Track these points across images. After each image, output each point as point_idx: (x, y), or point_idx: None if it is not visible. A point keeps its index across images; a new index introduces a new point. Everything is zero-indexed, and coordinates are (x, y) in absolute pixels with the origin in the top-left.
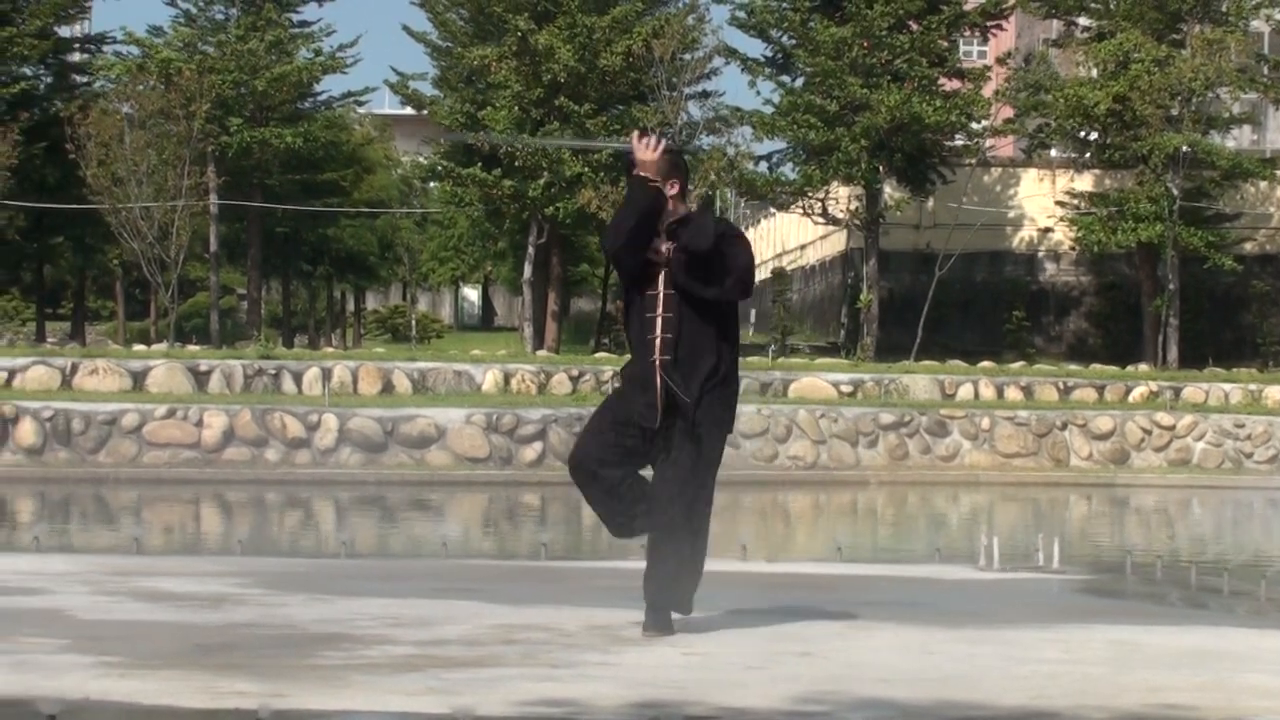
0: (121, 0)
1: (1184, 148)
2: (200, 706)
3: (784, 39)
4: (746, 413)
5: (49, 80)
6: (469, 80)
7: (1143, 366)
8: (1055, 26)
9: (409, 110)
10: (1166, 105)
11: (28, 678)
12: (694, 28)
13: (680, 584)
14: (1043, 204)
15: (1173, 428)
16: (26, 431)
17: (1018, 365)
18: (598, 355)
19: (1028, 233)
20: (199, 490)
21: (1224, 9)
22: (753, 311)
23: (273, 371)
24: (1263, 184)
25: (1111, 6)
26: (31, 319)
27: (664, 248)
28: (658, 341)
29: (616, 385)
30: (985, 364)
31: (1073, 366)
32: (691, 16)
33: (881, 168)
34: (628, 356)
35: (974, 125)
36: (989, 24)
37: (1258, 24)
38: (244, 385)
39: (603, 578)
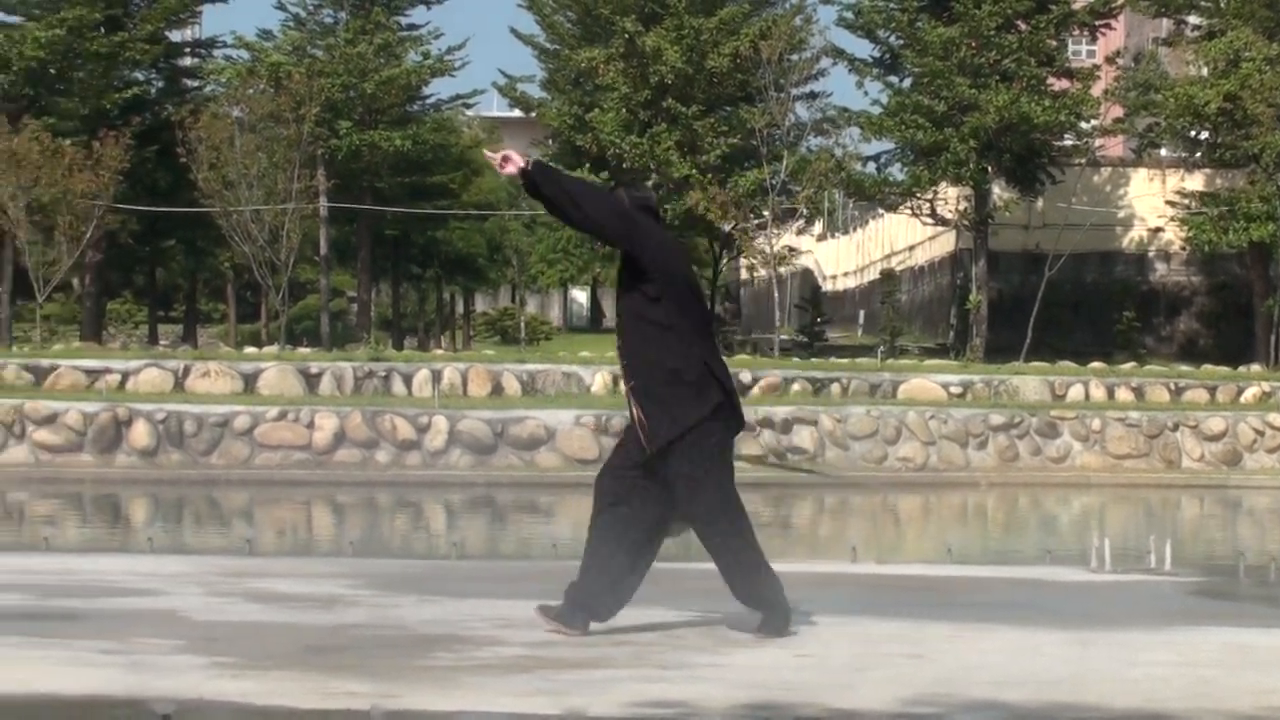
0: (231, 4)
1: None
2: (312, 707)
3: (891, 39)
4: (856, 414)
5: (160, 85)
6: (577, 82)
7: (1255, 367)
8: (1165, 25)
9: (517, 113)
10: (1278, 104)
11: (143, 678)
12: (801, 28)
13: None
14: (1153, 204)
15: None
16: (140, 434)
17: (1128, 366)
18: None
19: (1138, 233)
20: (310, 492)
21: None
22: (861, 313)
23: (383, 374)
24: None
25: (1222, 5)
26: (144, 322)
27: None
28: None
29: None
30: (1095, 365)
31: (1184, 367)
32: (799, 17)
33: (990, 168)
34: (739, 356)
35: (1083, 125)
36: (1098, 23)
37: None
38: (354, 387)
39: (713, 579)
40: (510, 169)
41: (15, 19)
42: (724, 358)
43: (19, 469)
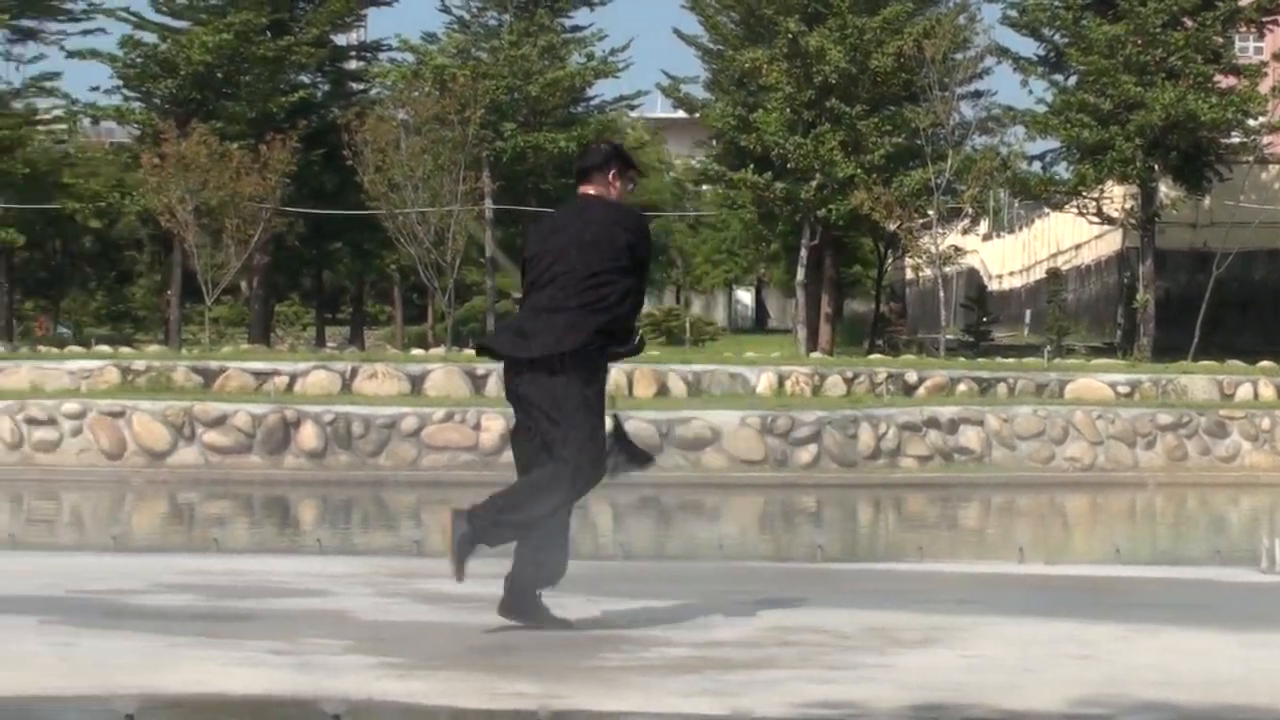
0: (396, 7)
1: None
2: (480, 707)
3: (1056, 37)
4: (1022, 414)
5: (326, 88)
6: (740, 83)
7: None
8: None
9: (680, 114)
10: None
11: (312, 678)
12: (965, 27)
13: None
14: None
15: None
16: (308, 435)
17: None
18: (871, 356)
19: None
20: (477, 493)
21: None
22: (1027, 312)
23: None
24: None
25: None
26: (311, 324)
27: None
28: None
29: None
30: (1265, 364)
31: None
32: (962, 16)
33: (1156, 166)
34: (905, 356)
35: (1250, 122)
36: (1265, 19)
37: None
38: None
39: (879, 580)
40: None
41: (183, 24)
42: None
43: (189, 470)
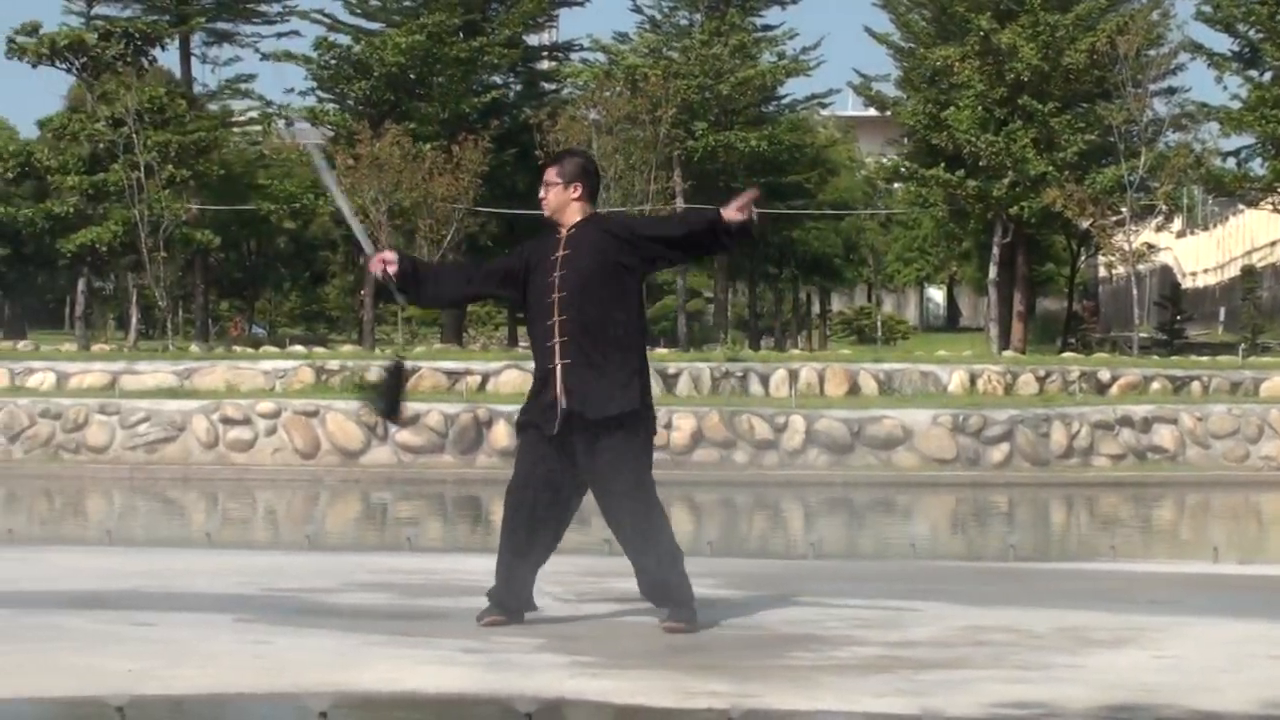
0: (588, 7)
1: None
2: (673, 706)
3: (1251, 33)
4: (1217, 412)
5: (518, 88)
6: (932, 80)
7: None
8: None
9: (872, 111)
10: None
11: (505, 676)
12: (1159, 23)
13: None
14: None
15: None
16: (501, 434)
17: None
18: (1064, 355)
19: None
20: (668, 492)
21: None
22: (1222, 310)
23: (740, 374)
24: None
25: None
26: (504, 324)
27: None
28: None
29: None
30: None
31: None
32: (1156, 12)
33: None
34: (1098, 354)
35: None
36: None
37: None
38: (711, 387)
39: (1071, 579)
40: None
41: (376, 26)
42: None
43: (382, 469)
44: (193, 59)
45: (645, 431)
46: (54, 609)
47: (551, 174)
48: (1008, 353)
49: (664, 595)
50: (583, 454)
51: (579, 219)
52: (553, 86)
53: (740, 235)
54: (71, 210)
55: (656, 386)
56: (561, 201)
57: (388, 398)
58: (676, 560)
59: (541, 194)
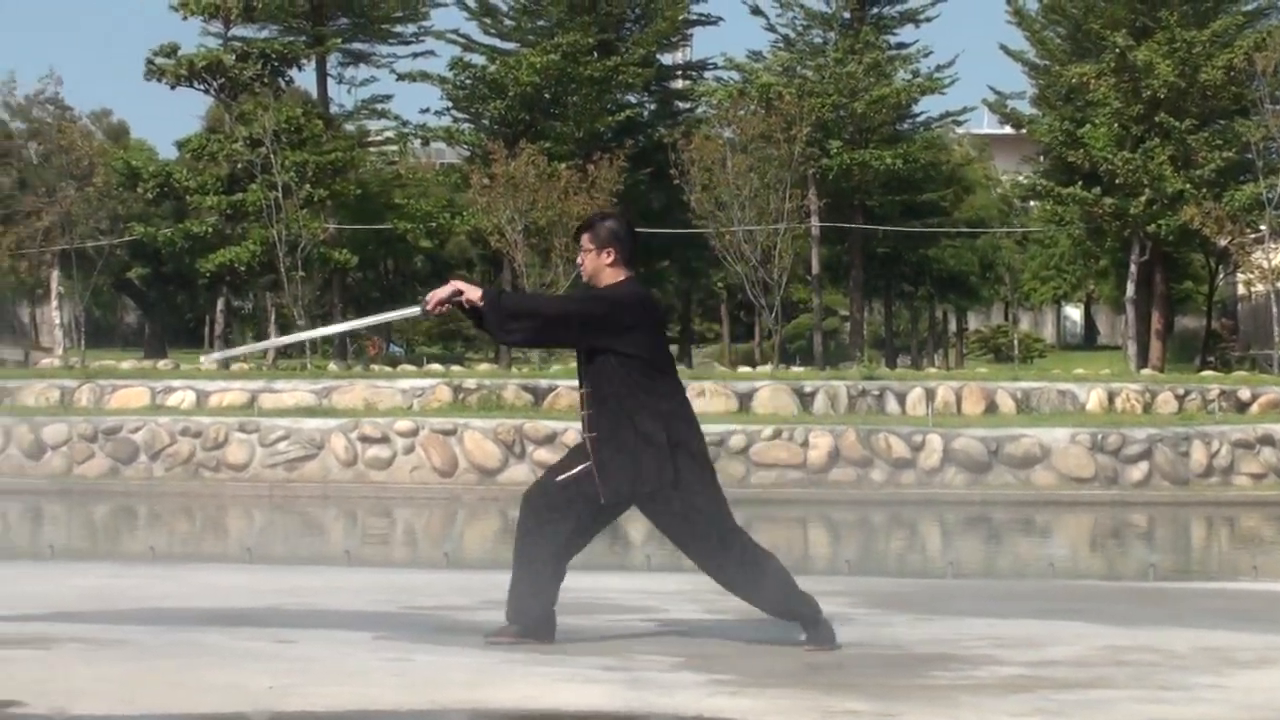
0: (722, 26)
1: None
2: None
3: None
4: None
5: (653, 107)
6: (1067, 98)
7: None
8: None
9: (1007, 129)
10: None
11: (642, 694)
12: None
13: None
14: None
15: None
16: None
17: None
18: (1204, 374)
19: None
20: (805, 510)
21: None
22: None
23: (876, 392)
24: None
25: None
26: None
27: None
28: None
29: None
30: None
31: None
32: None
33: None
34: (1237, 373)
35: None
36: None
37: None
38: (848, 406)
39: (1213, 599)
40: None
41: (511, 46)
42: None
43: (519, 487)
44: (329, 79)
45: (681, 495)
46: (196, 626)
47: (585, 240)
48: (1146, 371)
49: (791, 619)
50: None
51: (612, 284)
52: (687, 105)
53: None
54: (210, 230)
55: (793, 404)
56: (596, 267)
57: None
58: (788, 586)
59: (579, 260)
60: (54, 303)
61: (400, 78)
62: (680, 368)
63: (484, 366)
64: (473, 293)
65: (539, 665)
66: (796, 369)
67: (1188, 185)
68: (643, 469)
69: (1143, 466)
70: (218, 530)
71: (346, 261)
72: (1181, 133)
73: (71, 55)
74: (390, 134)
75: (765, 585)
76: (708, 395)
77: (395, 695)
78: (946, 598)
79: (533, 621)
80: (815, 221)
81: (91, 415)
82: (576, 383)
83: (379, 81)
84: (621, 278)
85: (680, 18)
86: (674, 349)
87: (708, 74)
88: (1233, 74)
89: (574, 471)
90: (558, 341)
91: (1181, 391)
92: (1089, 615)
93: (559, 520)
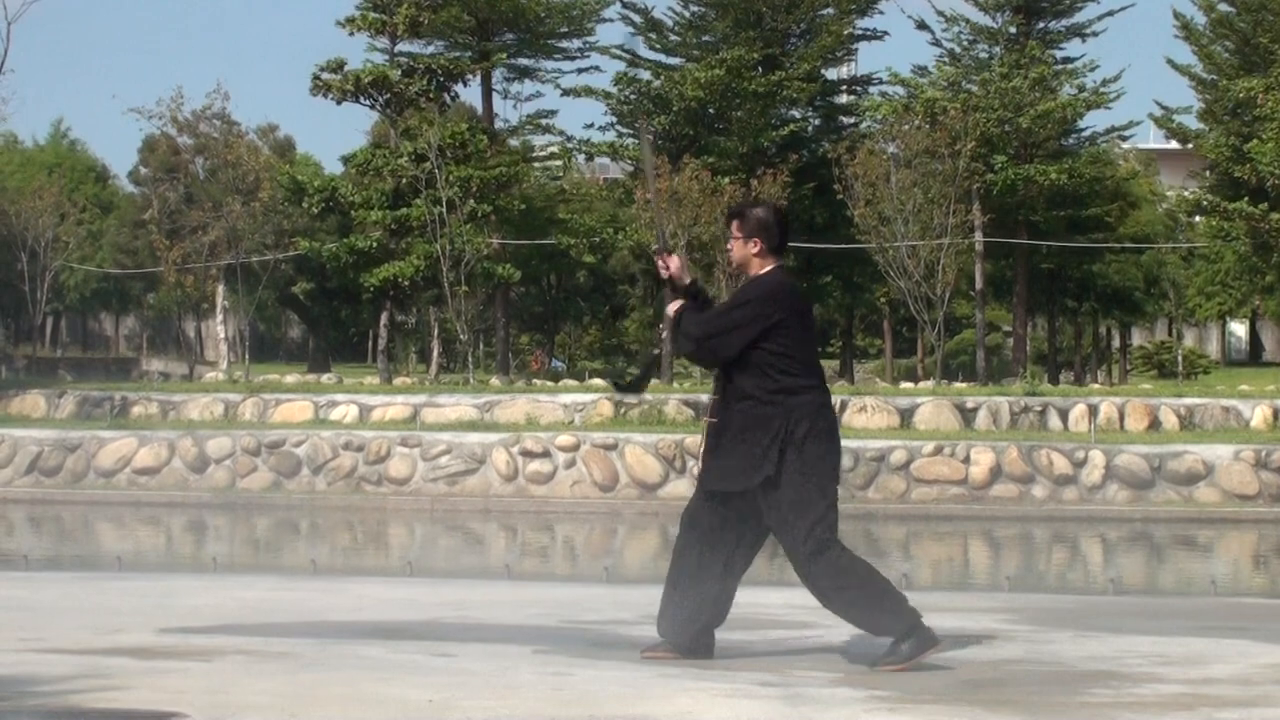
0: (886, 41)
1: None
2: None
3: None
4: None
5: (816, 122)
6: (1235, 112)
7: None
8: None
9: (1173, 144)
10: None
11: (800, 710)
12: None
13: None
14: None
15: None
16: None
17: None
18: None
19: None
20: (966, 526)
21: None
22: None
23: (1038, 408)
24: None
25: None
26: None
27: None
28: None
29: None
30: None
31: None
32: None
33: None
34: None
35: None
36: None
37: None
38: (1010, 422)
39: None
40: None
41: (676, 61)
42: None
43: (680, 502)
44: (494, 94)
45: (792, 491)
46: (357, 639)
47: (734, 227)
48: None
49: (880, 634)
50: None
51: (760, 274)
52: (851, 120)
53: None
54: (375, 245)
55: (955, 420)
56: (744, 256)
57: (639, 377)
58: (881, 603)
59: (727, 246)
60: (219, 317)
61: (565, 93)
62: (842, 383)
63: None
64: (671, 306)
65: (697, 680)
66: (959, 385)
67: None
68: (738, 464)
69: None
70: (379, 544)
71: (509, 276)
72: None
73: (239, 71)
74: (554, 149)
75: (855, 600)
76: (869, 410)
77: (553, 709)
78: (1107, 614)
79: (685, 639)
80: (979, 237)
81: (255, 429)
82: None
83: (544, 97)
84: (769, 267)
85: (845, 33)
86: (835, 364)
87: (872, 89)
88: None
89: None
90: (719, 358)
91: None
92: (1252, 633)
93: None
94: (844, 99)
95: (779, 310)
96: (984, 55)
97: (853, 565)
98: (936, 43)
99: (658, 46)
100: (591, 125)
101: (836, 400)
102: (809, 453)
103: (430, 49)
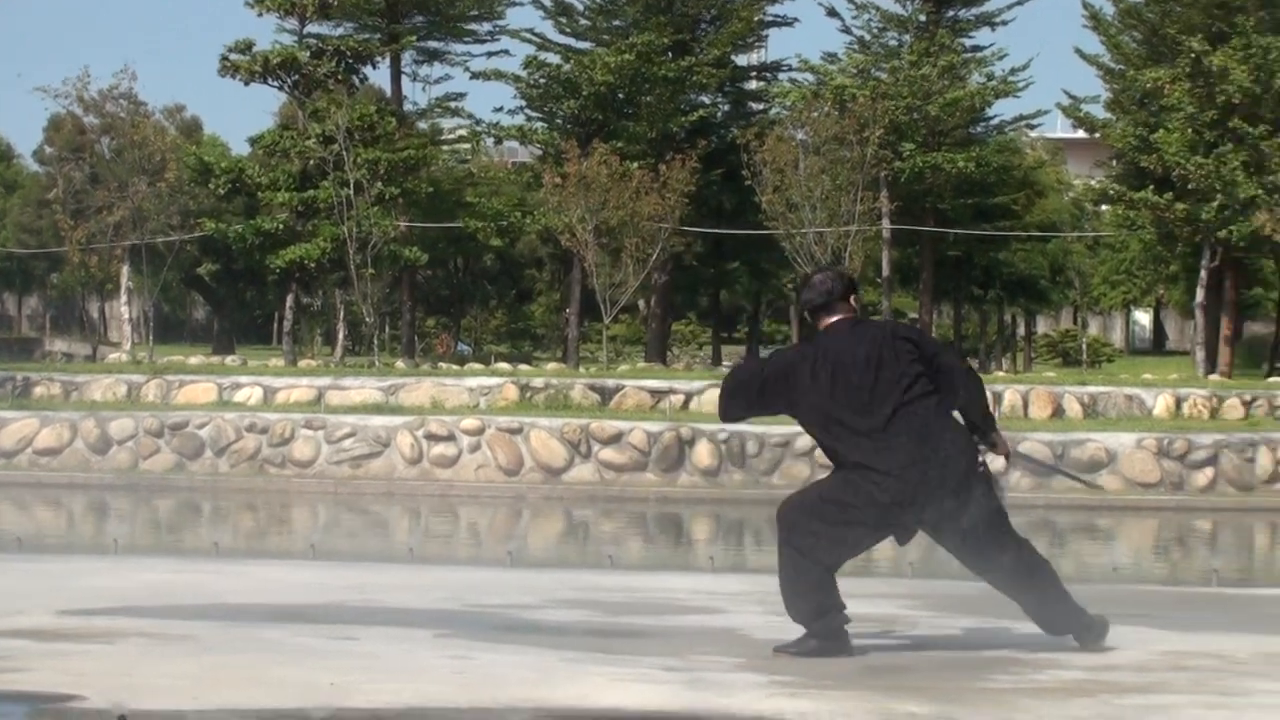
0: (797, 28)
1: None
2: None
3: None
4: None
5: (726, 108)
6: (1141, 103)
7: None
8: None
9: (1080, 133)
10: None
11: (703, 695)
12: None
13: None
14: None
15: None
16: (703, 453)
17: None
18: (1270, 380)
19: None
20: None
21: None
22: None
23: None
24: None
25: None
26: (708, 342)
27: None
28: None
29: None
30: None
31: None
32: None
33: None
34: None
35: None
36: None
37: None
38: None
39: (1275, 605)
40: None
41: (586, 45)
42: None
43: (584, 487)
44: (403, 77)
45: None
46: (260, 622)
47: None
48: (1214, 377)
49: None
50: None
51: None
52: (760, 106)
53: None
54: (281, 226)
55: None
56: None
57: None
58: (806, 603)
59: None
60: (123, 298)
61: (474, 76)
62: None
63: (552, 366)
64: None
65: (600, 665)
66: None
67: (1260, 191)
68: None
69: (1208, 472)
70: (282, 526)
71: (416, 259)
72: (1255, 138)
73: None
74: (463, 132)
75: (799, 605)
76: None
77: (456, 693)
78: (1008, 601)
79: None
80: (886, 224)
81: (158, 410)
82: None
83: (453, 80)
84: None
85: (756, 19)
86: (742, 349)
87: (782, 75)
88: None
89: None
90: None
91: (1249, 398)
92: (1151, 620)
93: None
94: (754, 85)
95: None
96: (894, 43)
97: (815, 574)
98: (846, 30)
99: (568, 31)
100: (500, 109)
101: None
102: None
103: (339, 31)
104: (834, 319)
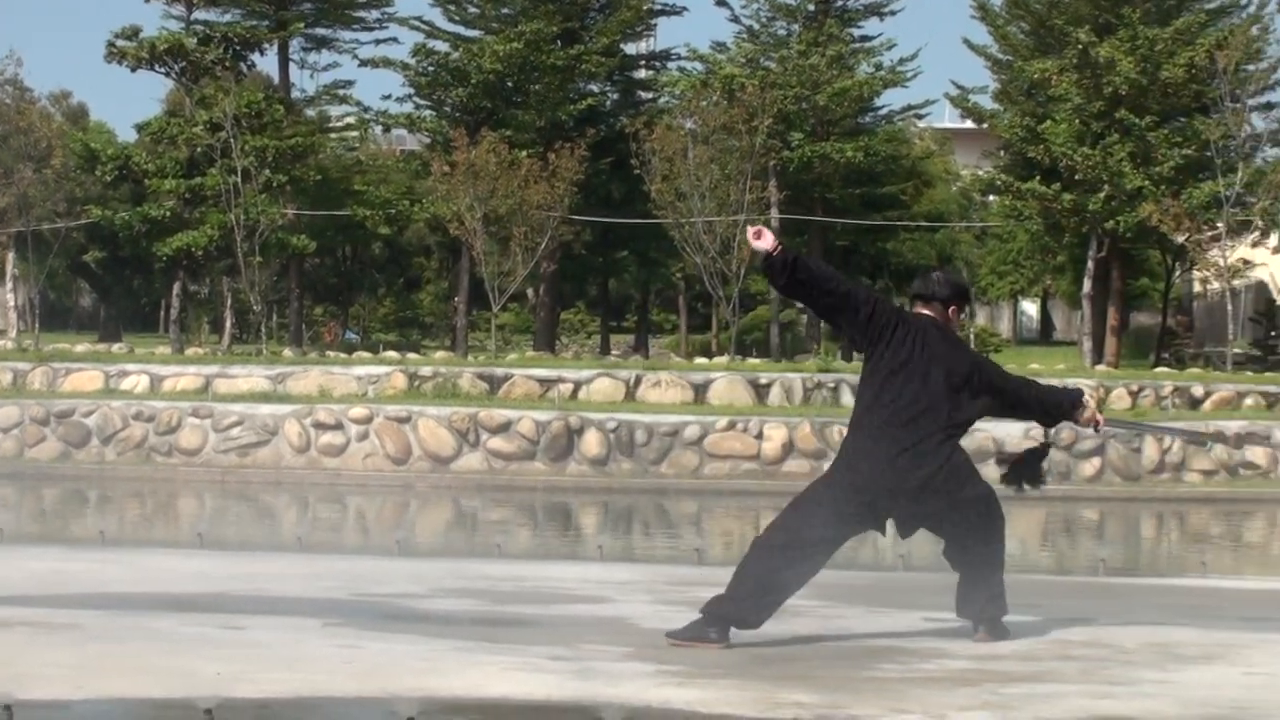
0: (686, 17)
1: None
2: (758, 716)
3: None
4: None
5: (615, 97)
6: (1029, 93)
7: None
8: None
9: (968, 124)
10: None
11: (591, 684)
12: (1258, 38)
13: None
14: None
15: None
16: (591, 442)
17: None
18: (1157, 370)
19: None
20: (758, 502)
21: None
22: None
23: (832, 385)
24: None
25: None
26: (596, 332)
27: None
28: None
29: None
30: None
31: None
32: (1255, 27)
33: None
34: (1191, 370)
35: None
36: None
37: None
38: (803, 398)
39: (1161, 595)
40: (760, 244)
41: (474, 33)
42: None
43: (473, 476)
44: (291, 64)
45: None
46: (146, 611)
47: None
48: (1101, 367)
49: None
50: None
51: None
52: (649, 95)
53: None
54: (168, 214)
55: (749, 396)
56: None
57: (1029, 471)
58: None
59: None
60: (8, 285)
61: (363, 63)
62: (636, 358)
63: (440, 354)
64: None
65: (489, 654)
66: (753, 361)
67: (1146, 182)
68: None
69: (1095, 462)
70: (169, 515)
71: (304, 247)
72: (1142, 130)
73: (32, 36)
74: (351, 120)
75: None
76: (664, 386)
77: (345, 682)
78: (898, 591)
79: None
80: (775, 213)
81: (44, 398)
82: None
83: (341, 67)
84: None
85: (644, 7)
86: (630, 339)
87: (671, 64)
88: (1194, 72)
89: None
90: None
91: (1135, 388)
92: (1038, 610)
93: None
94: (643, 74)
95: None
96: (782, 32)
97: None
98: (735, 19)
99: (456, 18)
100: (389, 96)
101: (630, 375)
102: (835, 465)
103: (227, 17)
104: (925, 312)
